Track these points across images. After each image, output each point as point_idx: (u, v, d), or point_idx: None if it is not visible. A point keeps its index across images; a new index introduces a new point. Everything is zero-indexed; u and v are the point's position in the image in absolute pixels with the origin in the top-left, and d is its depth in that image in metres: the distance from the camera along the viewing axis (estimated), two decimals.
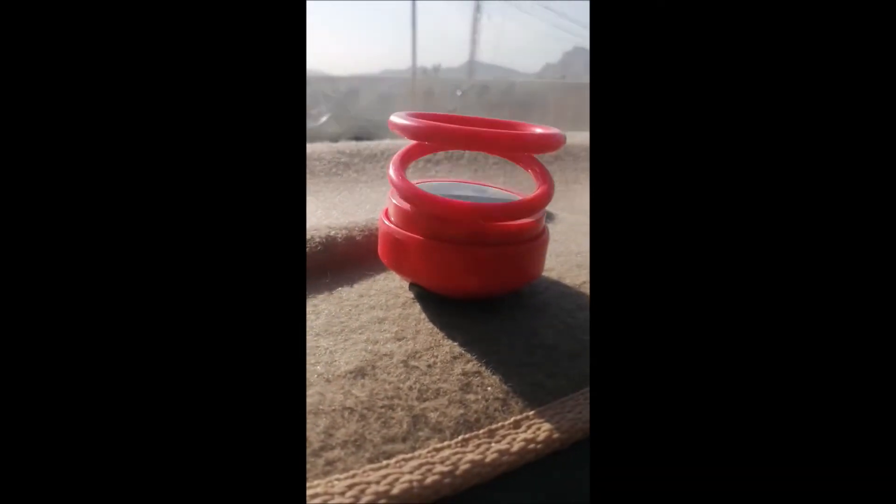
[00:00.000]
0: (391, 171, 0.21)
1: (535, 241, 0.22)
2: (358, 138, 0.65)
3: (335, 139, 0.63)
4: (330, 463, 0.14)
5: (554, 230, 0.36)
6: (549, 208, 0.43)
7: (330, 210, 0.40)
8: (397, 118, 0.21)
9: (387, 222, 0.22)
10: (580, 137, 0.71)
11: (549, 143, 0.22)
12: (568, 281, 0.26)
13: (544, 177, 0.23)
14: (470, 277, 0.21)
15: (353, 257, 0.26)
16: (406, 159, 0.23)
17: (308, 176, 0.50)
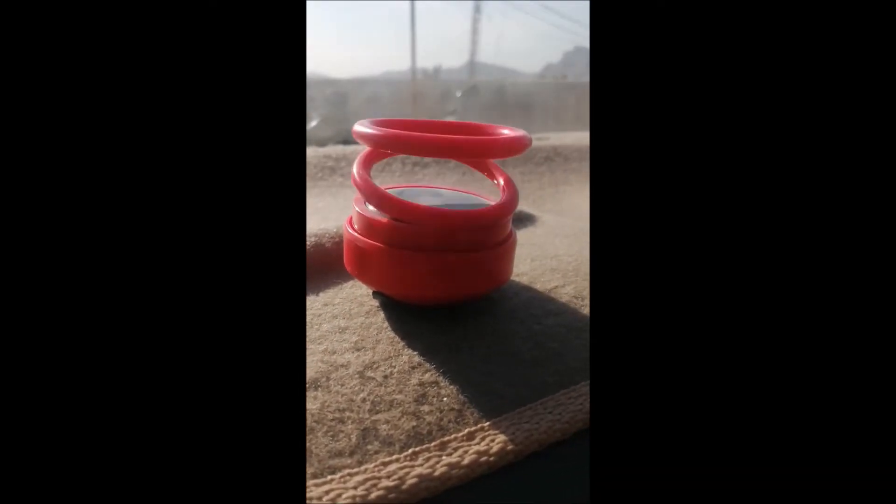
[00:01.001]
0: (356, 172, 0.21)
1: (500, 246, 0.21)
2: (347, 142, 0.65)
3: (324, 143, 0.63)
4: None
5: (534, 233, 0.35)
6: (534, 210, 0.43)
7: (311, 215, 0.39)
8: (360, 127, 0.21)
9: (350, 230, 0.22)
10: (570, 138, 0.71)
11: (514, 147, 0.21)
12: (539, 286, 0.25)
13: (508, 185, 0.22)
14: (433, 285, 0.20)
15: (322, 265, 0.26)
16: (368, 162, 0.23)
17: None
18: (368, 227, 0.21)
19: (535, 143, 0.66)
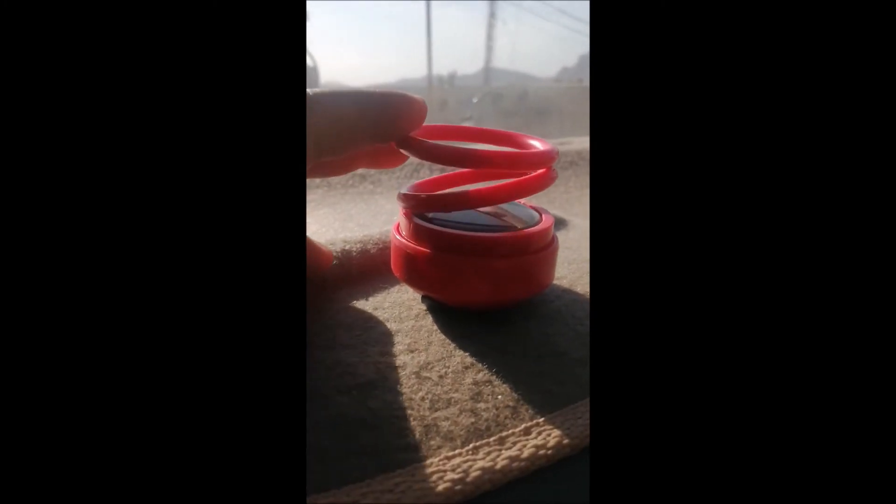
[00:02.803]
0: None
1: (544, 251, 0.22)
2: None
3: None
4: (345, 473, 0.15)
5: (567, 237, 0.36)
6: (564, 214, 0.43)
7: (346, 222, 0.40)
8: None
9: (398, 236, 0.23)
10: None
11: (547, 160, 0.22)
12: (579, 289, 0.26)
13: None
14: (480, 289, 0.21)
15: (369, 270, 0.27)
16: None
17: (325, 188, 0.51)
18: (416, 233, 0.22)
19: (559, 149, 0.66)
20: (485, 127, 0.27)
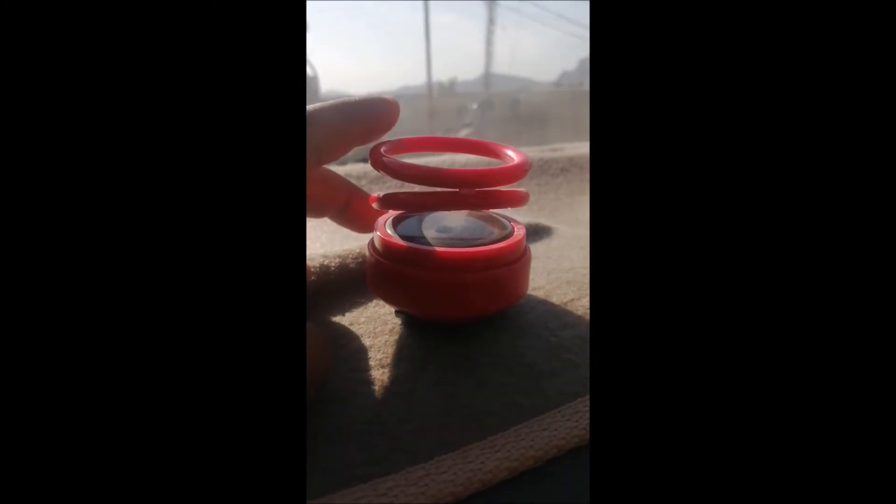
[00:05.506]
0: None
1: (515, 263, 0.22)
2: (366, 160, 0.66)
3: (345, 162, 0.64)
4: (307, 488, 0.15)
5: (549, 245, 0.36)
6: (551, 222, 0.43)
7: (333, 234, 0.41)
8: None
9: (371, 252, 0.23)
10: (586, 148, 0.72)
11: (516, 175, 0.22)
12: (555, 299, 0.26)
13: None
14: (451, 304, 0.21)
15: (347, 284, 0.27)
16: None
17: None
18: (388, 248, 0.22)
19: (550, 155, 0.67)
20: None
